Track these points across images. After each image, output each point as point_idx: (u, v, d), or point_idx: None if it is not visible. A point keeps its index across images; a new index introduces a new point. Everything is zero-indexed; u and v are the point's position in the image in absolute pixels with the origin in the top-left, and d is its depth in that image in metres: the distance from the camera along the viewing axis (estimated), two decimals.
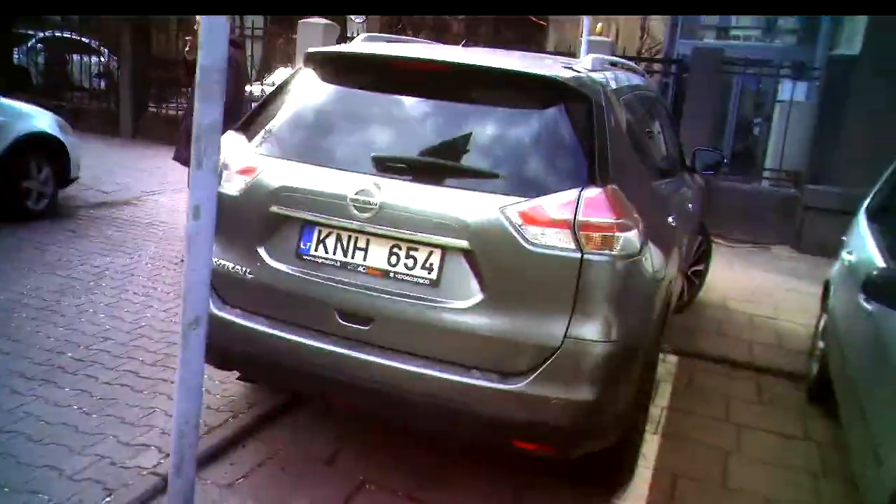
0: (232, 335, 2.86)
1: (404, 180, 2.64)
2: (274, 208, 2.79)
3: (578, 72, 2.79)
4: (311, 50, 3.08)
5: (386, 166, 2.68)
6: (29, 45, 13.55)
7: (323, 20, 10.04)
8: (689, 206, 4.20)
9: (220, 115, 2.14)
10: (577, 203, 2.46)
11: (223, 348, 2.86)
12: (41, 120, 6.40)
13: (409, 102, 2.85)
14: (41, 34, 13.68)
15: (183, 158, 5.13)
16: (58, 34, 13.62)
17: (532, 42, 19.79)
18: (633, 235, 2.57)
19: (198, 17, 5.20)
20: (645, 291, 2.81)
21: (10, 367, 3.63)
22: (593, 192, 2.48)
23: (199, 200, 2.17)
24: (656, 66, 11.23)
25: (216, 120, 2.14)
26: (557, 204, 2.47)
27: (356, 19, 17.77)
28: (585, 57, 3.00)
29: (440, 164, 2.70)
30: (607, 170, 2.55)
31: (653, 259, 2.83)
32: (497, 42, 17.81)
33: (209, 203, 2.19)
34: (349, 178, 2.69)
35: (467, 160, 2.69)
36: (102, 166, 8.95)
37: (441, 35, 14.47)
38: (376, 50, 2.99)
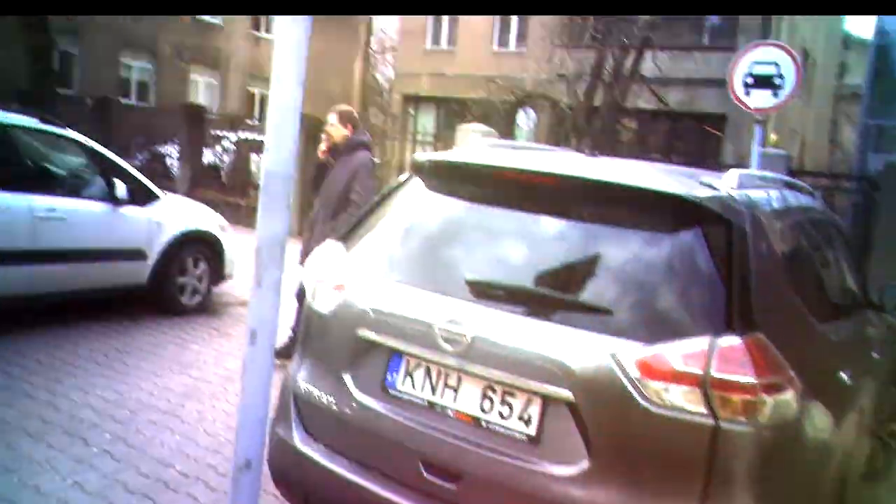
0: (314, 477, 2.57)
1: (501, 310, 2.28)
2: (362, 332, 2.52)
3: (718, 189, 2.33)
4: (418, 156, 2.87)
5: (481, 292, 2.34)
6: (223, 145, 14.67)
7: (482, 126, 10.07)
8: (875, 352, 3.45)
9: (285, 226, 1.93)
10: (710, 354, 1.97)
11: (306, 492, 2.59)
12: (203, 218, 6.72)
13: (516, 219, 2.53)
14: (235, 136, 14.80)
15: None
16: (249, 136, 14.68)
17: (706, 153, 19.02)
18: (786, 398, 2.03)
19: (328, 118, 5.26)
20: (806, 468, 2.21)
21: (116, 476, 3.54)
22: (731, 342, 1.98)
23: (257, 323, 1.93)
24: (838, 183, 10.18)
25: (279, 232, 1.92)
26: (684, 353, 1.99)
27: (524, 125, 17.98)
28: (730, 172, 2.53)
29: (542, 294, 2.32)
30: (750, 312, 2.04)
31: (817, 426, 2.24)
32: (669, 151, 17.27)
33: (268, 326, 1.95)
34: (440, 302, 2.38)
35: (576, 291, 2.29)
36: None
37: (611, 144, 14.23)
38: (485, 158, 2.70)
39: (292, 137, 1.92)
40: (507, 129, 16.20)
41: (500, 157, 2.74)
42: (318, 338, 2.72)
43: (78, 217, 5.54)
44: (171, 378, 4.95)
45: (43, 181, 5.68)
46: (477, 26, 22.94)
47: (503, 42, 23.19)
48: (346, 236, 2.86)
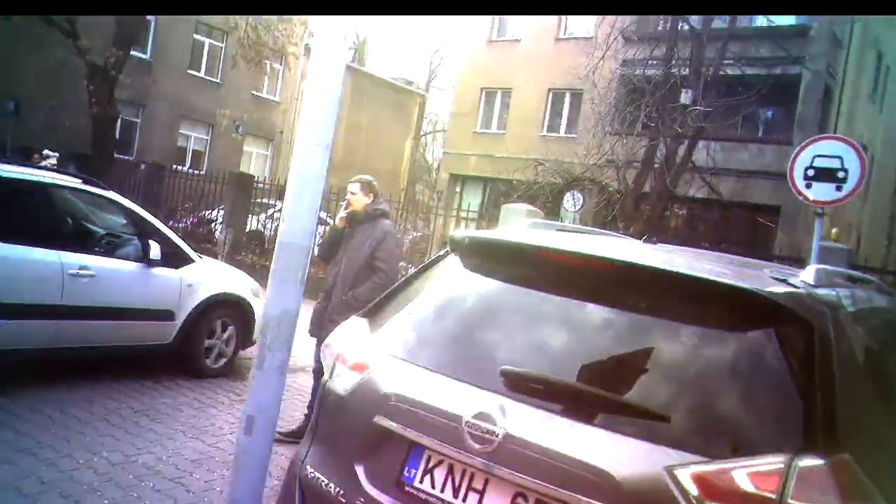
0: None
1: (538, 408, 1.99)
2: (379, 419, 2.24)
3: (795, 286, 2.04)
4: (456, 233, 2.64)
5: (518, 385, 2.05)
6: (268, 213, 14.77)
7: (526, 206, 9.91)
8: None
9: (297, 301, 1.69)
10: (786, 476, 1.64)
11: None
12: (235, 282, 6.60)
13: (560, 305, 2.24)
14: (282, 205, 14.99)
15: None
16: None
17: (757, 244, 18.50)
18: None
19: (349, 187, 5.12)
20: None
21: None
22: (812, 463, 1.66)
23: (255, 409, 1.68)
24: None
25: (291, 308, 1.69)
26: (753, 473, 1.67)
27: (570, 208, 17.79)
28: (808, 268, 2.24)
29: (588, 392, 2.02)
30: (835, 430, 1.72)
31: None
32: (720, 240, 16.82)
33: (268, 413, 1.69)
34: (470, 394, 2.10)
35: (626, 391, 1.98)
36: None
37: (660, 230, 13.91)
38: (529, 238, 2.45)
39: (313, 207, 1.72)
40: (552, 211, 16.04)
41: (546, 238, 2.50)
42: (331, 420, 2.45)
43: (109, 275, 5.45)
44: (183, 443, 4.70)
45: (78, 239, 5.64)
46: (528, 112, 23.18)
47: (553, 127, 23.34)
48: (372, 312, 2.62)
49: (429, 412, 2.14)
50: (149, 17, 19.94)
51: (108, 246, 5.76)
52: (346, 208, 5.10)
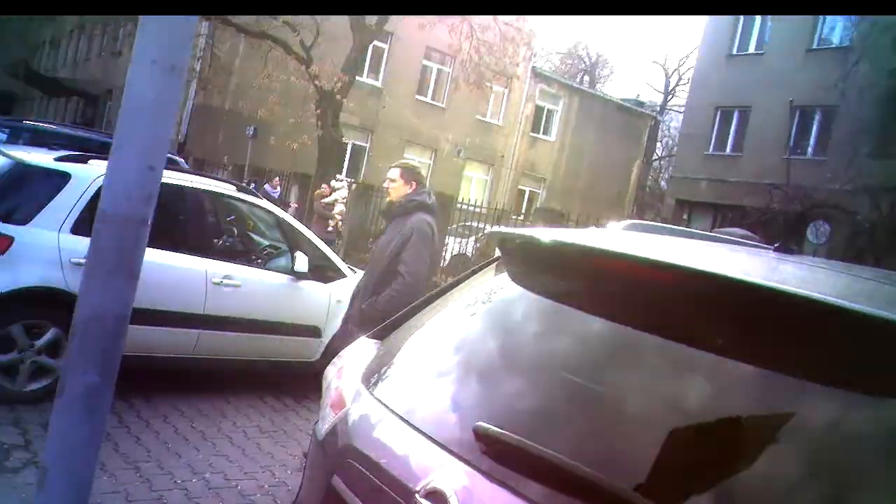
0: None
1: (514, 492, 1.25)
2: (335, 481, 1.62)
3: None
4: (497, 230, 1.91)
5: (494, 452, 1.32)
6: (477, 236, 14.54)
7: (741, 230, 8.56)
8: None
9: (124, 299, 1.12)
10: None
11: None
12: None
13: (615, 340, 1.47)
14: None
15: None
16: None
17: None
18: None
19: (389, 174, 4.38)
20: None
21: None
22: None
23: (52, 457, 1.14)
24: None
25: (108, 310, 1.17)
26: None
27: (813, 239, 15.57)
28: None
29: (599, 484, 1.22)
30: None
31: None
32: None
33: (68, 463, 1.14)
34: (436, 459, 1.40)
35: (682, 483, 1.17)
36: None
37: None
38: (581, 239, 1.64)
39: (152, 157, 1.14)
40: (789, 241, 14.06)
41: (625, 242, 1.69)
42: (307, 475, 1.87)
43: (253, 286, 5.31)
44: (296, 472, 4.32)
45: (225, 248, 5.59)
46: (769, 132, 20.88)
47: (799, 148, 20.76)
48: (383, 332, 1.99)
49: (381, 480, 1.47)
50: (378, 44, 21.01)
51: (257, 256, 5.66)
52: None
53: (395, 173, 4.34)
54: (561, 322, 1.59)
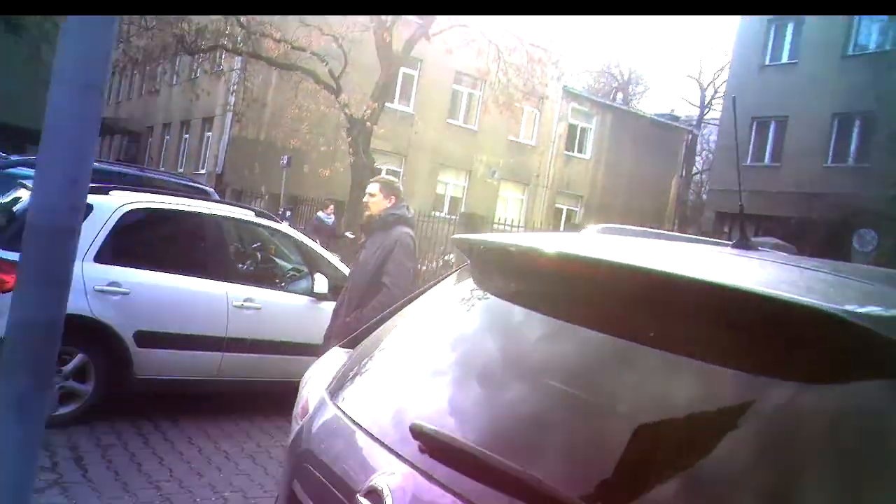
0: None
1: (450, 490, 1.26)
2: (295, 485, 1.66)
3: None
4: (460, 237, 1.92)
5: (432, 450, 1.37)
6: None
7: (773, 240, 8.38)
8: None
9: (55, 310, 1.18)
10: None
11: None
12: None
13: (566, 340, 1.48)
14: None
15: None
16: None
17: None
18: None
19: (368, 188, 4.45)
20: None
21: None
22: None
23: None
24: None
25: (40, 320, 1.18)
26: None
27: (860, 247, 15.16)
28: None
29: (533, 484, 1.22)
30: None
31: None
32: None
33: None
34: (381, 459, 1.42)
35: (621, 483, 1.17)
36: None
37: None
38: (536, 242, 1.65)
39: (77, 171, 1.20)
40: (833, 249, 13.72)
41: (585, 244, 1.70)
42: (281, 483, 1.91)
43: (274, 308, 5.41)
44: None
45: (245, 271, 5.70)
46: (807, 141, 20.50)
47: (839, 156, 20.32)
48: (354, 341, 2.03)
49: (331, 482, 1.49)
50: (408, 70, 21.30)
51: (278, 279, 5.76)
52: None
53: (374, 188, 4.42)
54: (520, 324, 1.60)
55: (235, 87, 16.99)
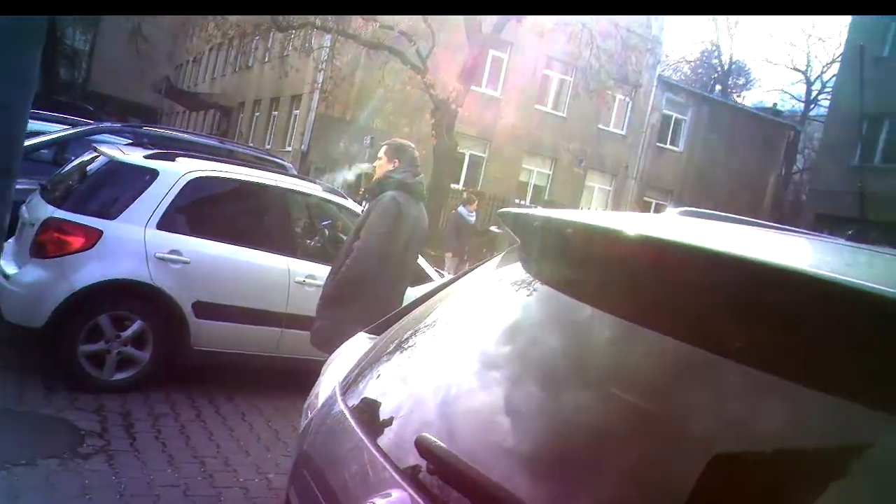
0: None
1: None
2: (290, 493, 1.43)
3: None
4: (508, 209, 1.62)
5: (436, 469, 1.11)
6: None
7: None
8: None
9: None
10: None
11: None
12: None
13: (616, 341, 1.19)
14: None
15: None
16: None
17: None
18: None
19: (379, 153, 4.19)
20: None
21: None
22: None
23: None
24: None
25: None
26: None
27: None
28: None
29: None
30: None
31: None
32: None
33: None
34: (378, 474, 1.17)
35: None
36: None
37: None
38: (612, 223, 1.32)
39: None
40: None
41: (652, 225, 1.38)
42: None
43: None
44: None
45: (312, 247, 5.55)
46: None
47: None
48: (381, 326, 1.78)
49: (324, 496, 1.25)
50: (497, 54, 20.91)
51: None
52: None
53: (382, 150, 4.21)
54: (573, 321, 1.30)
55: (324, 65, 17.05)
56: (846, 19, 24.07)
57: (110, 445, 3.88)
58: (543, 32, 16.49)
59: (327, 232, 6.10)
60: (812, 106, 37.77)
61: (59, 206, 4.55)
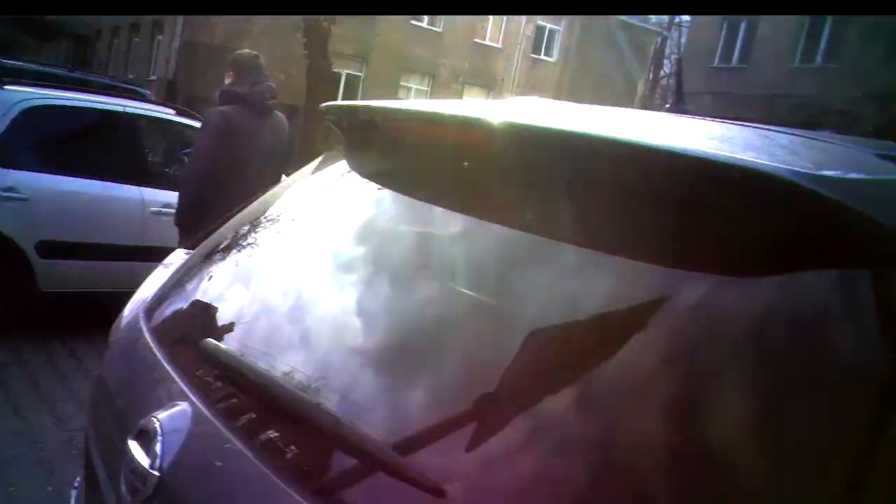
0: None
1: (235, 430, 1.00)
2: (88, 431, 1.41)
3: None
4: (328, 104, 1.56)
5: (220, 376, 1.11)
6: None
7: None
8: None
9: None
10: None
11: None
12: None
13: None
14: None
15: None
16: None
17: None
18: None
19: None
20: None
21: None
22: None
23: None
24: None
25: None
26: None
27: None
28: None
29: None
30: None
31: None
32: None
33: None
34: (166, 388, 1.16)
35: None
36: None
37: None
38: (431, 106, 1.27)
39: None
40: None
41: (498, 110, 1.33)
42: None
43: None
44: None
45: (163, 176, 5.30)
46: (778, 41, 20.04)
47: (807, 57, 19.94)
48: (196, 242, 1.75)
49: (104, 420, 1.24)
50: None
51: None
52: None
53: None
54: (396, 213, 1.27)
55: None
56: None
57: None
58: None
59: (186, 159, 5.85)
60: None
61: None
